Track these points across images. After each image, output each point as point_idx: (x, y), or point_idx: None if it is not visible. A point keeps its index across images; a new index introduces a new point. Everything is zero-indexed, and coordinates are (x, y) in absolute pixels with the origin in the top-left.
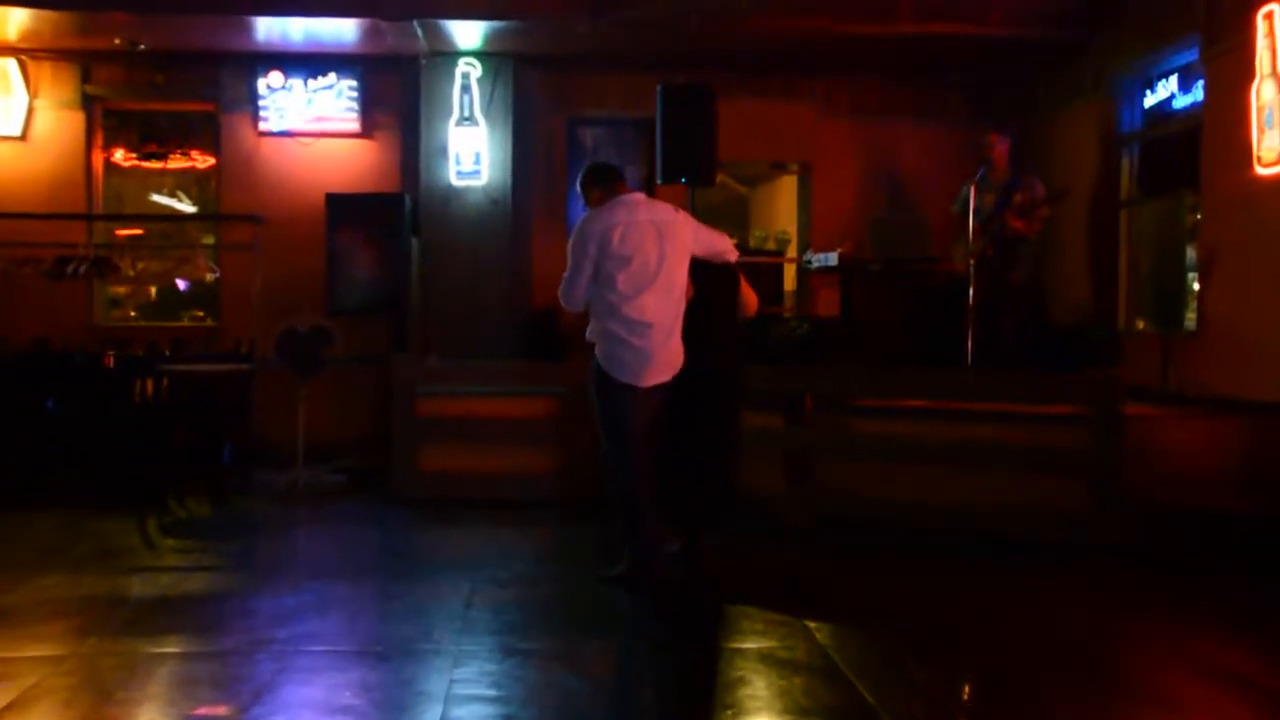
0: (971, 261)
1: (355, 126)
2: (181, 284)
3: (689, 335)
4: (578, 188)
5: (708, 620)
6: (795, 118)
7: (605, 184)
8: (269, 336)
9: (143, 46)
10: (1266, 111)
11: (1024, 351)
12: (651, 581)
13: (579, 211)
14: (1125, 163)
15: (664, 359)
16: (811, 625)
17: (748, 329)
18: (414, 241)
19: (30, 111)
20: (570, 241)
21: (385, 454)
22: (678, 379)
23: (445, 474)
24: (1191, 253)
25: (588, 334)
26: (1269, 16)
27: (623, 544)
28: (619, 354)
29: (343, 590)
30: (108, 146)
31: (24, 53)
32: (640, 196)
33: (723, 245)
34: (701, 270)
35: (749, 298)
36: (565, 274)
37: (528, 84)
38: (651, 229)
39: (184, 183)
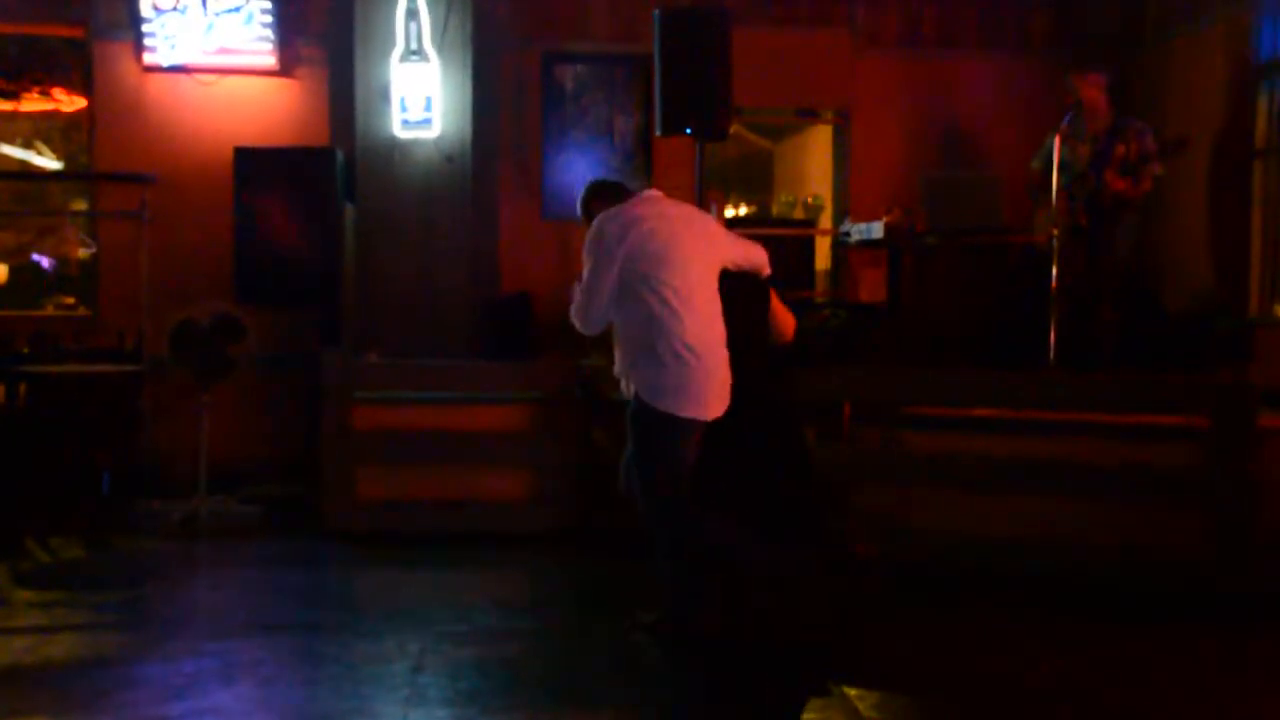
0: (1056, 232)
1: (270, 61)
2: (44, 262)
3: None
4: (578, 209)
5: (723, 684)
6: (829, 52)
7: (610, 199)
8: (161, 329)
9: None
10: None
11: (1125, 346)
12: (695, 636)
13: (556, 172)
14: (1263, 101)
15: (723, 381)
16: (852, 693)
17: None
18: (348, 209)
19: None
20: (586, 244)
21: (313, 478)
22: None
23: (389, 502)
24: None
25: (617, 370)
26: None
27: (664, 588)
28: (675, 378)
29: (256, 651)
30: None
31: None
32: (659, 193)
33: (760, 256)
34: (723, 280)
35: (785, 319)
36: (579, 286)
37: (491, 10)
38: (682, 223)
39: (45, 130)
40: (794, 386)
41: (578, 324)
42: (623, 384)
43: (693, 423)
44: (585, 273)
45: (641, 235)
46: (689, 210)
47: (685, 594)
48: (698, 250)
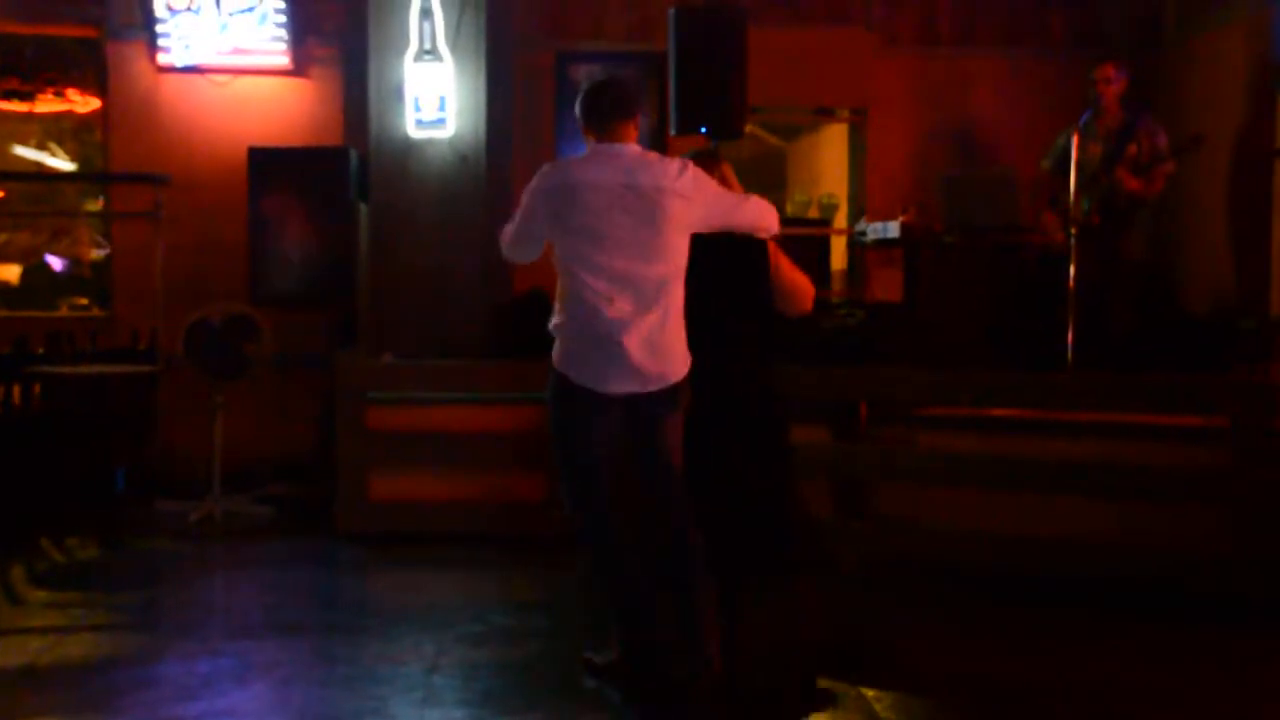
0: (1073, 231)
1: (285, 61)
2: (56, 263)
3: (699, 331)
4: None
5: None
6: (846, 50)
7: (582, 119)
8: (176, 330)
9: None
10: None
11: (1142, 346)
12: (655, 683)
13: None
14: None
15: (639, 361)
16: (870, 694)
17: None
18: (362, 209)
19: None
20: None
21: (327, 478)
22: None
23: (403, 503)
24: None
25: (552, 325)
26: None
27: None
28: (581, 350)
29: (271, 652)
30: None
31: None
32: (622, 149)
33: (756, 218)
34: (711, 243)
35: (797, 281)
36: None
37: (506, 8)
38: (618, 195)
39: (59, 131)
40: (779, 374)
41: (503, 248)
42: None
43: (588, 394)
44: (518, 212)
45: (560, 207)
46: (638, 174)
47: (633, 629)
48: (634, 223)
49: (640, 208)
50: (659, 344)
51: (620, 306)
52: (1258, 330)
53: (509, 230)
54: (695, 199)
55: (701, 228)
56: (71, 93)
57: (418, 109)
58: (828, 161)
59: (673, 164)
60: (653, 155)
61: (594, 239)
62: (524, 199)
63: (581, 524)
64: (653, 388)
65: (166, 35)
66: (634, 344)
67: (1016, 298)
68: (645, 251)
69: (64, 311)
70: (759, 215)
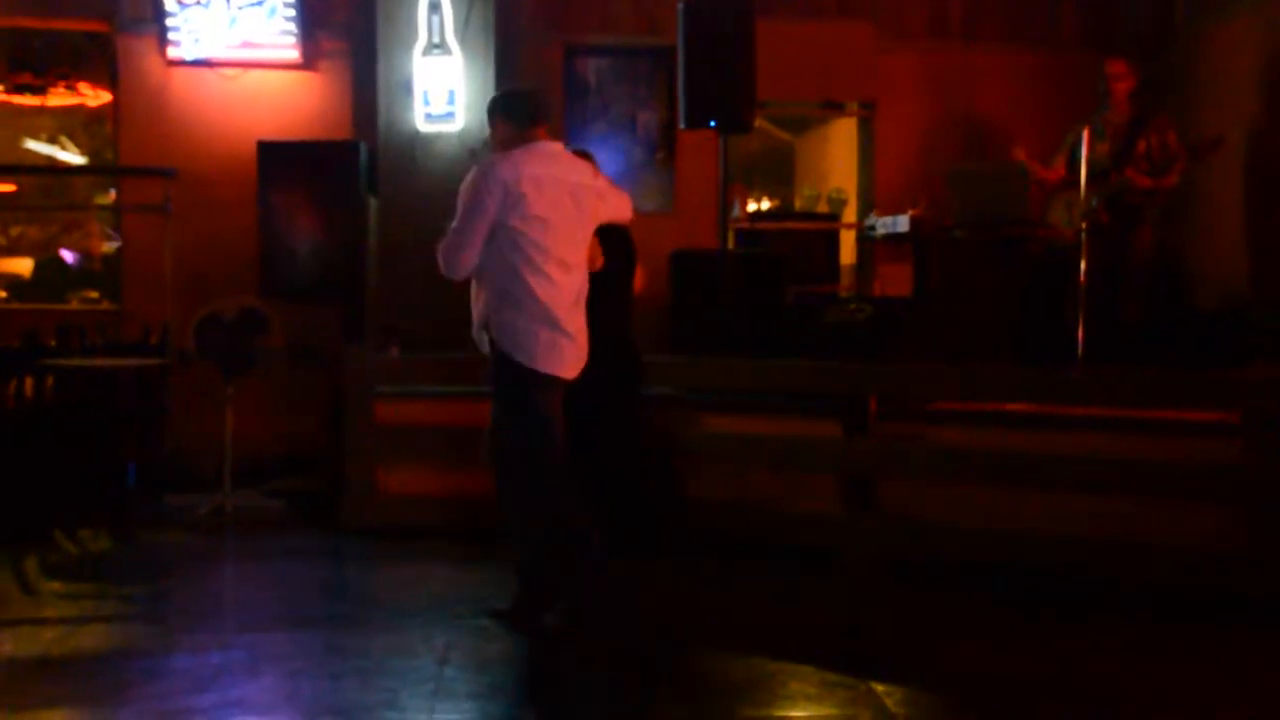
0: (1083, 226)
1: (294, 55)
2: (68, 256)
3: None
4: (486, 114)
5: (739, 682)
6: (854, 44)
7: (515, 120)
8: (186, 323)
9: None
10: None
11: (1154, 341)
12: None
13: None
14: None
15: (581, 346)
16: (880, 689)
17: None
18: (371, 203)
19: None
20: (465, 185)
21: (335, 472)
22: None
23: (411, 497)
24: None
25: (476, 321)
26: None
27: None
28: (541, 336)
29: (282, 644)
30: None
31: None
32: (556, 148)
33: (626, 210)
34: (602, 236)
35: (638, 272)
36: (452, 225)
37: (514, 2)
38: (568, 190)
39: (69, 124)
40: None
41: (441, 264)
42: (477, 334)
43: (554, 380)
44: (458, 216)
45: (520, 196)
46: (578, 173)
47: (543, 580)
48: (577, 218)
49: (580, 203)
50: (585, 336)
51: (568, 296)
52: (1271, 325)
53: (446, 243)
54: (606, 198)
55: (603, 220)
56: (82, 86)
57: (427, 103)
58: (836, 155)
59: (587, 165)
60: (570, 154)
61: (549, 230)
62: (469, 195)
63: (543, 493)
64: (579, 371)
65: (176, 29)
66: (580, 332)
67: (1026, 292)
68: (579, 245)
69: (75, 305)
70: (628, 208)
